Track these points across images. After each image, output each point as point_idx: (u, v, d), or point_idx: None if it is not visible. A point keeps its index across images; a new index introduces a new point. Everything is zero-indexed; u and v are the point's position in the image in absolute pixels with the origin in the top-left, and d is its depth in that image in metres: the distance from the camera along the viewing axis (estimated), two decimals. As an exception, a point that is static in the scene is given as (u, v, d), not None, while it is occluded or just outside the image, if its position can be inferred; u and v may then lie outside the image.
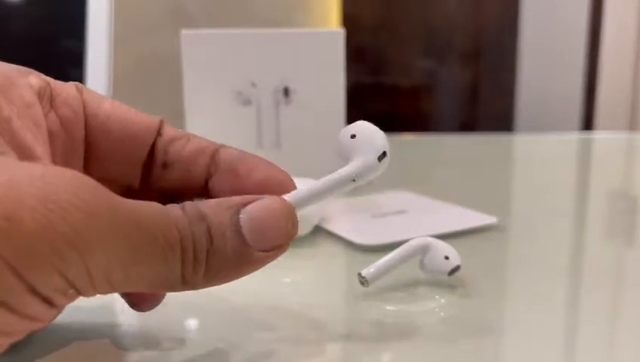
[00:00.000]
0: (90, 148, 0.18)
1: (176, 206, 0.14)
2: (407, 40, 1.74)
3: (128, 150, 0.18)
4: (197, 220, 0.14)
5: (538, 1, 1.61)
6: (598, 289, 0.23)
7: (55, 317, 0.14)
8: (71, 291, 0.13)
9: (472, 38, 1.75)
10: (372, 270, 0.22)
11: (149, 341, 0.18)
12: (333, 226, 0.29)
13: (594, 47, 1.50)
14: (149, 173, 0.19)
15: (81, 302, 0.14)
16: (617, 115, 1.43)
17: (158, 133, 0.19)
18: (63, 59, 0.37)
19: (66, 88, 0.18)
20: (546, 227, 0.32)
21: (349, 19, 1.47)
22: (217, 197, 0.17)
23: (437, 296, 0.22)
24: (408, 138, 0.73)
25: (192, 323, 0.20)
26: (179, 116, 0.38)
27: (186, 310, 0.21)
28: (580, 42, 1.53)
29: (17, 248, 0.11)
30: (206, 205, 0.15)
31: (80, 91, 0.18)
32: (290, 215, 0.16)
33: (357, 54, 1.65)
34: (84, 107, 0.18)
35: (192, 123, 0.38)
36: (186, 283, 0.14)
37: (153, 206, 0.14)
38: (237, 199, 0.15)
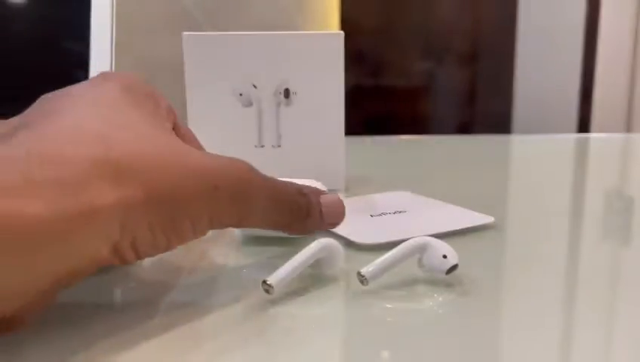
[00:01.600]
0: None
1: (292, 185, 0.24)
2: (406, 42, 1.75)
3: None
4: (303, 196, 0.24)
5: (535, 4, 1.61)
6: (596, 289, 0.23)
7: None
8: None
9: (469, 41, 1.76)
10: (371, 269, 0.22)
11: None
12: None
13: (590, 50, 1.50)
14: None
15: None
16: (613, 117, 1.44)
17: None
18: (66, 60, 0.37)
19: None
20: (543, 227, 0.32)
21: (349, 22, 1.47)
22: None
23: (435, 295, 0.22)
24: (407, 139, 0.74)
25: (193, 321, 0.20)
26: (181, 118, 0.38)
27: (191, 305, 0.21)
28: (577, 45, 1.54)
29: (216, 207, 0.20)
30: (305, 188, 0.24)
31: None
32: (343, 206, 0.25)
33: (356, 56, 1.65)
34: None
35: (193, 124, 0.38)
36: (290, 228, 0.24)
37: (283, 183, 0.23)
38: (317, 189, 0.25)
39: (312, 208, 0.24)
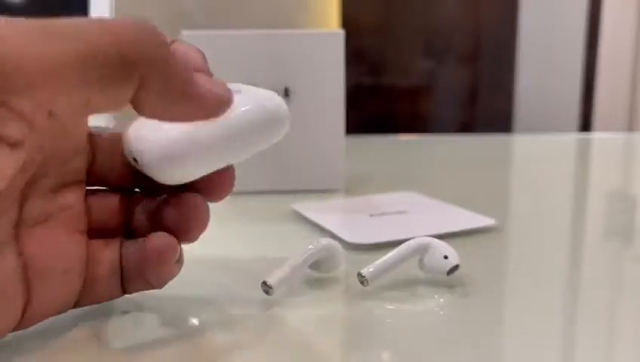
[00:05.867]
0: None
1: None
2: (407, 41, 1.75)
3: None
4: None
5: (537, 2, 1.61)
6: (597, 289, 0.23)
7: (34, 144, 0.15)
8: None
9: (471, 40, 1.76)
10: (372, 269, 0.22)
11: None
12: (330, 225, 0.30)
13: (592, 49, 1.50)
14: None
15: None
16: (615, 116, 1.44)
17: None
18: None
19: None
20: (544, 227, 0.32)
21: (349, 21, 1.47)
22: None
23: (436, 296, 0.22)
24: (407, 138, 0.74)
25: (194, 321, 0.20)
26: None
27: (191, 305, 0.21)
28: (579, 43, 1.54)
29: None
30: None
31: None
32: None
33: (357, 55, 1.65)
34: None
35: (192, 123, 0.38)
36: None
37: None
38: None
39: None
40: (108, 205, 0.20)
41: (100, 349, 0.18)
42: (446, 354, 0.18)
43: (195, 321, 0.20)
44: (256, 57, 0.38)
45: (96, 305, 0.20)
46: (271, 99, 0.20)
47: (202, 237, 0.23)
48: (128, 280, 0.19)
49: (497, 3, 1.72)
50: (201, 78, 0.17)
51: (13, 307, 0.17)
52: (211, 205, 0.20)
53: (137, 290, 0.20)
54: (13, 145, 0.14)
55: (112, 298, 0.20)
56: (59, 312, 0.18)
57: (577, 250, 0.29)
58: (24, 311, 0.17)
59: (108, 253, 0.19)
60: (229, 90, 0.18)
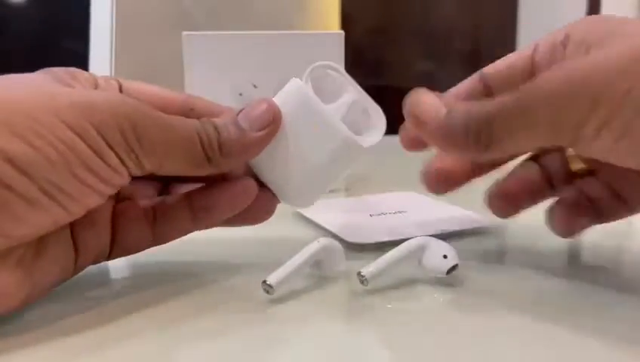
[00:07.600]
0: None
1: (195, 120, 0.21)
2: (407, 42, 1.75)
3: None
4: (207, 124, 0.21)
5: (536, 3, 1.61)
6: (596, 289, 0.23)
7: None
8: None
9: (470, 40, 1.76)
10: (371, 269, 0.22)
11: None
12: (330, 225, 0.30)
13: (592, 49, 1.50)
14: None
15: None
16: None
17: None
18: (66, 59, 0.37)
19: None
20: (543, 227, 0.32)
21: (349, 21, 1.47)
22: None
23: (435, 295, 0.22)
24: (407, 139, 0.73)
25: (193, 321, 0.20)
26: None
27: (191, 305, 0.21)
28: (579, 44, 1.54)
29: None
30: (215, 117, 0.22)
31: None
32: (271, 105, 0.22)
33: (356, 56, 1.65)
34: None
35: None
36: (209, 160, 0.21)
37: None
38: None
39: (222, 129, 0.21)
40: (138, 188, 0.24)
41: (100, 347, 0.18)
42: (446, 353, 0.18)
43: (194, 321, 0.20)
44: (256, 58, 0.38)
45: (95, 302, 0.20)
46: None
47: (203, 236, 0.23)
48: (169, 218, 0.22)
49: (497, 3, 1.72)
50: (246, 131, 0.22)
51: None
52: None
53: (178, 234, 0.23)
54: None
55: (145, 244, 0.23)
56: (98, 257, 0.22)
57: (576, 249, 0.29)
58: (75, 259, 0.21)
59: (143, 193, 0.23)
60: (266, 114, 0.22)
